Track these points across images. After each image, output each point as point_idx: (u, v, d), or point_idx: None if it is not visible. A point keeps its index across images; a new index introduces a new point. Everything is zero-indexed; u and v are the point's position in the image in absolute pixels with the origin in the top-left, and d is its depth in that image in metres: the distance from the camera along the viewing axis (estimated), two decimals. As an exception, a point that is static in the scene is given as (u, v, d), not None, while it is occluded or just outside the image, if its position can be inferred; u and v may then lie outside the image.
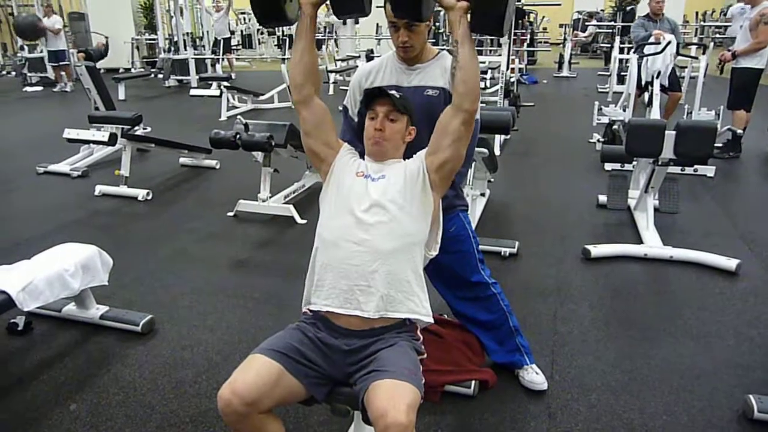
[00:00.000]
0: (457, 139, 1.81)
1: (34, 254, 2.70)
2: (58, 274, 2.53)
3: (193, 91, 11.16)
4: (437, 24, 13.13)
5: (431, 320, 1.82)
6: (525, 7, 12.77)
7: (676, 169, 5.01)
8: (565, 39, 13.99)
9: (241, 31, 18.49)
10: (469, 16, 1.76)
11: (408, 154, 1.93)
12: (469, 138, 1.86)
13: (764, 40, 5.73)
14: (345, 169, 1.88)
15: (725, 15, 14.34)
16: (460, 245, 2.23)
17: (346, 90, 2.24)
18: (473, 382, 2.32)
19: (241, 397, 1.53)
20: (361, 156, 1.98)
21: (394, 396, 1.48)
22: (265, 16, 1.90)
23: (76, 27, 14.59)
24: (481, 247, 2.35)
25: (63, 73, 11.76)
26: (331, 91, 10.80)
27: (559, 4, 9.44)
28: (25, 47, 13.13)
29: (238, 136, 4.27)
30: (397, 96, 1.86)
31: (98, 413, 2.27)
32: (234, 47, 15.97)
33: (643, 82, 6.33)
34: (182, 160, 5.95)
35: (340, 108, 2.26)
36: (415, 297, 1.76)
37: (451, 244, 2.13)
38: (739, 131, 5.93)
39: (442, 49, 2.15)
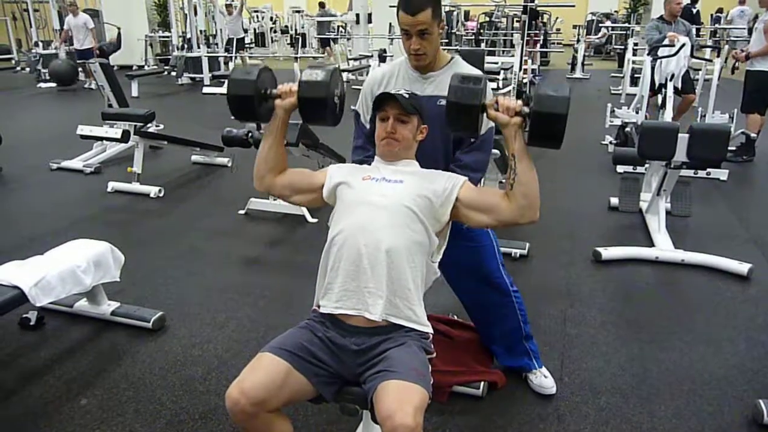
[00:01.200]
0: (496, 224, 1.83)
1: (47, 250, 2.73)
2: (70, 270, 2.55)
3: (205, 89, 11.20)
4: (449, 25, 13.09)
5: (430, 330, 1.79)
6: (538, 8, 12.73)
7: (689, 172, 4.96)
8: (578, 40, 13.93)
9: (254, 30, 18.57)
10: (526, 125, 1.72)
11: (426, 160, 1.94)
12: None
13: (779, 43, 5.68)
14: (347, 179, 1.88)
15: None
16: (477, 239, 2.21)
17: (358, 89, 2.24)
18: (482, 383, 2.32)
19: (249, 397, 1.53)
20: (371, 158, 1.99)
21: (401, 398, 1.48)
22: (240, 114, 1.96)
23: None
24: (491, 247, 2.34)
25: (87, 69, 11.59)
26: (342, 90, 10.80)
27: (573, 5, 9.39)
28: (40, 43, 13.23)
29: (250, 134, 4.29)
30: (406, 96, 1.86)
31: (108, 408, 2.29)
32: (247, 45, 16.03)
33: (656, 85, 6.30)
34: (194, 157, 5.98)
35: (353, 107, 2.24)
36: (415, 308, 1.74)
37: (467, 237, 2.12)
38: (753, 135, 5.88)
39: (456, 53, 2.13)
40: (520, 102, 1.71)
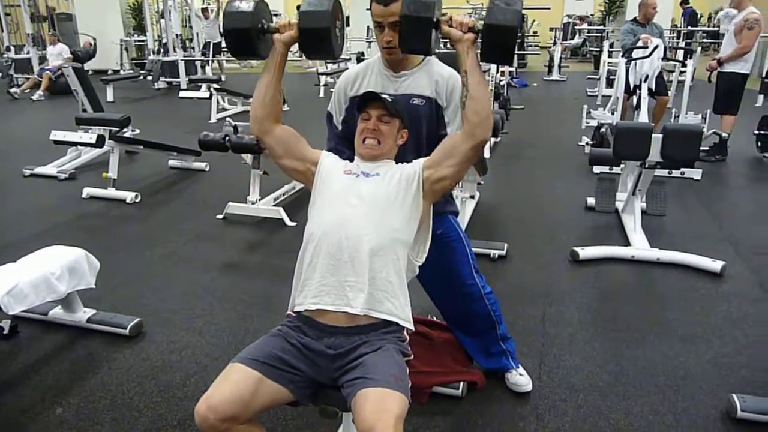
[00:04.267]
0: (463, 162, 1.83)
1: (20, 257, 2.68)
2: (43, 277, 2.51)
3: (182, 93, 11.07)
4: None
5: (411, 327, 1.79)
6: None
7: (664, 172, 5.04)
8: (554, 43, 14.07)
9: (231, 34, 18.42)
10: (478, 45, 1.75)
11: (397, 159, 1.94)
12: (475, 161, 1.88)
13: (748, 45, 5.80)
14: (332, 170, 1.89)
15: (715, 18, 14.52)
16: (449, 243, 2.21)
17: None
18: (461, 383, 2.32)
19: (218, 413, 1.49)
20: (350, 161, 1.99)
21: (381, 408, 1.46)
22: (238, 51, 1.94)
23: (64, 28, 14.51)
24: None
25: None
26: (321, 94, 10.81)
27: (549, 8, 9.49)
28: (12, 48, 13.02)
29: (227, 138, 4.27)
30: (390, 99, 1.87)
31: (85, 417, 2.26)
32: (224, 49, 15.91)
33: (631, 86, 6.38)
34: (171, 162, 5.93)
35: (328, 109, 2.24)
36: (396, 300, 1.74)
37: (440, 242, 2.12)
38: (725, 135, 5.98)
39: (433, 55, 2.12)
40: (473, 18, 1.73)
